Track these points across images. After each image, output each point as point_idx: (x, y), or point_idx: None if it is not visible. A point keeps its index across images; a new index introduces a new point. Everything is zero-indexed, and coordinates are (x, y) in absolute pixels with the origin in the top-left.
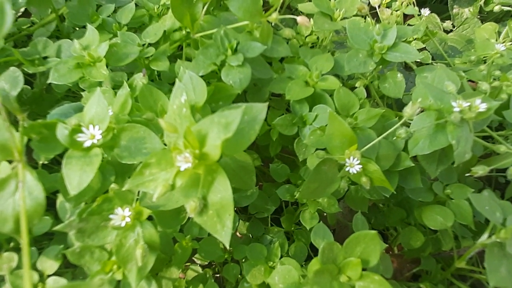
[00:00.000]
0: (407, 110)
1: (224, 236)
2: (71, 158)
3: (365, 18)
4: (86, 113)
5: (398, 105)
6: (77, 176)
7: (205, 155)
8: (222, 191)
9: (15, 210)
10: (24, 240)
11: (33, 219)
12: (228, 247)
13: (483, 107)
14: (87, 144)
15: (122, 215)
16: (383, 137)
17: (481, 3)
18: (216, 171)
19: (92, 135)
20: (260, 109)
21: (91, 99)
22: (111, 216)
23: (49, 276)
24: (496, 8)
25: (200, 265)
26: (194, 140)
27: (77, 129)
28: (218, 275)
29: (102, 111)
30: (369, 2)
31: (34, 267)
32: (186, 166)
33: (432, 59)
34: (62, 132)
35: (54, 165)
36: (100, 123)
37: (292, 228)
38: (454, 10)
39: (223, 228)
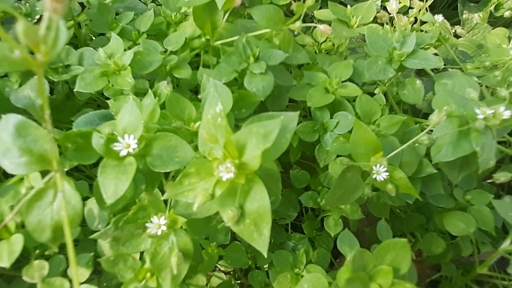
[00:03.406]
0: (433, 118)
1: (261, 245)
2: (106, 167)
3: (382, 25)
4: (119, 122)
5: (413, 111)
6: (113, 185)
7: (244, 164)
8: (259, 200)
9: (53, 219)
10: (69, 248)
11: (72, 228)
12: (266, 256)
13: (507, 114)
14: (123, 153)
15: (157, 224)
16: (407, 145)
17: (491, 8)
18: (253, 180)
19: (127, 144)
20: (291, 118)
21: (124, 108)
22: (147, 224)
23: (80, 284)
24: (507, 14)
25: (223, 272)
26: (233, 150)
27: (112, 138)
28: (238, 282)
29: (135, 120)
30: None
31: (64, 274)
32: (228, 176)
33: (444, 64)
34: (97, 141)
35: (74, 172)
36: (134, 132)
37: (313, 234)
38: (464, 16)
39: (260, 237)
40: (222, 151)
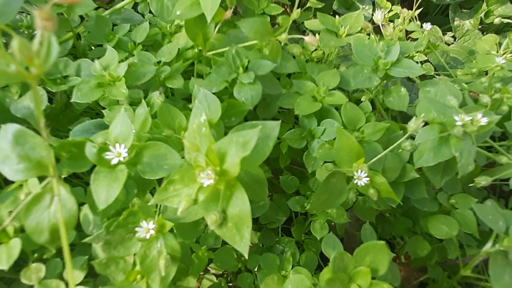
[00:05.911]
0: (411, 125)
1: (243, 247)
2: (99, 174)
3: (369, 35)
4: (111, 131)
5: (402, 117)
6: (105, 191)
7: (225, 171)
8: (240, 205)
9: (50, 222)
10: (65, 248)
11: (67, 230)
12: (246, 257)
13: (484, 121)
14: (114, 161)
15: (146, 228)
16: (389, 150)
17: (482, 15)
18: (235, 186)
19: (118, 153)
20: (273, 127)
21: (116, 118)
22: (136, 228)
23: (75, 285)
24: (496, 20)
25: (214, 275)
26: (215, 158)
27: (104, 148)
28: (230, 284)
29: (126, 130)
30: (372, 19)
31: (60, 277)
32: (208, 182)
33: (435, 70)
34: (90, 150)
35: (73, 179)
36: (125, 141)
37: (302, 238)
38: (455, 22)
39: (241, 239)
40: (204, 159)
